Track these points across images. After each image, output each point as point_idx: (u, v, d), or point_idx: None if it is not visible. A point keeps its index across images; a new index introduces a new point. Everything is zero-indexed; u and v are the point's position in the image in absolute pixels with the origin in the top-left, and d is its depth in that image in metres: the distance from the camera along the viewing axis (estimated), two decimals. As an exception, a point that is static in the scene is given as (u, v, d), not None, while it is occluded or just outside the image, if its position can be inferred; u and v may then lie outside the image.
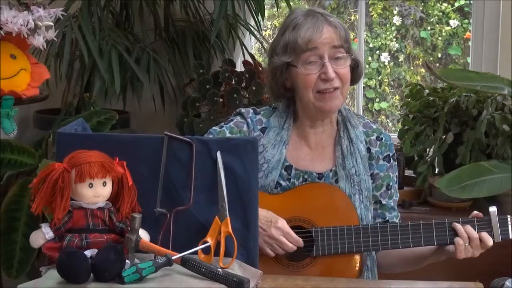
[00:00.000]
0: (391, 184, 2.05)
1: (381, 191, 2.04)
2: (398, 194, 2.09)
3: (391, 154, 2.06)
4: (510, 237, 1.89)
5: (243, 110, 2.08)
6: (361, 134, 2.05)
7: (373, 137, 2.06)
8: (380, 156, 2.05)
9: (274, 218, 1.87)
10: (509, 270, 2.52)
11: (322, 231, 1.90)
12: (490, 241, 1.87)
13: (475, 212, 1.93)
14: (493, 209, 1.89)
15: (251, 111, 2.08)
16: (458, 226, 1.88)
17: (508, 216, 1.89)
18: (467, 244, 1.87)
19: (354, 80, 2.07)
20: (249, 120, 2.05)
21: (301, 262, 1.91)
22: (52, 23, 2.32)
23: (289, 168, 2.02)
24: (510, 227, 1.88)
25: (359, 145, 2.03)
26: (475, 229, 1.87)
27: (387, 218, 2.04)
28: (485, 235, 1.87)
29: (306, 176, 2.02)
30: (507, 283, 1.78)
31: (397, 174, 2.08)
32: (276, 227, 1.86)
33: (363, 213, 1.98)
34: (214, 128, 2.06)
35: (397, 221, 2.04)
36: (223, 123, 2.07)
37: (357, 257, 1.92)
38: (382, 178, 2.04)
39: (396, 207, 2.07)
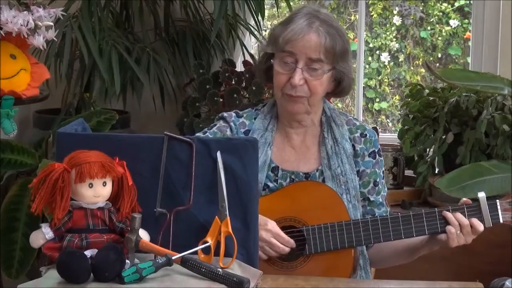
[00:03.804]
0: (378, 180, 2.05)
1: (368, 187, 2.04)
2: (386, 189, 2.08)
3: (376, 150, 2.06)
4: (501, 221, 1.88)
5: (225, 114, 2.08)
6: (346, 132, 2.04)
7: (357, 134, 2.05)
8: (365, 153, 2.04)
9: (263, 220, 1.85)
10: (509, 270, 2.53)
11: (313, 229, 1.89)
12: (481, 227, 1.87)
13: (464, 199, 1.93)
14: (481, 194, 1.89)
15: (234, 114, 2.07)
16: (449, 214, 1.88)
17: (497, 200, 1.89)
18: (458, 231, 1.87)
19: (339, 93, 2.07)
20: (232, 124, 2.05)
21: (294, 262, 1.91)
22: (52, 23, 2.32)
23: (275, 169, 2.02)
24: (500, 211, 1.88)
25: (344, 144, 2.02)
26: (465, 216, 1.87)
27: (376, 215, 2.03)
28: (475, 221, 1.87)
29: (293, 176, 2.01)
30: (507, 283, 1.77)
31: (383, 169, 2.08)
32: (266, 230, 1.85)
33: (352, 213, 1.97)
34: (197, 134, 2.06)
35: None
36: (206, 128, 2.07)
37: (350, 254, 1.91)
38: (368, 174, 2.04)
39: (384, 203, 2.07)
